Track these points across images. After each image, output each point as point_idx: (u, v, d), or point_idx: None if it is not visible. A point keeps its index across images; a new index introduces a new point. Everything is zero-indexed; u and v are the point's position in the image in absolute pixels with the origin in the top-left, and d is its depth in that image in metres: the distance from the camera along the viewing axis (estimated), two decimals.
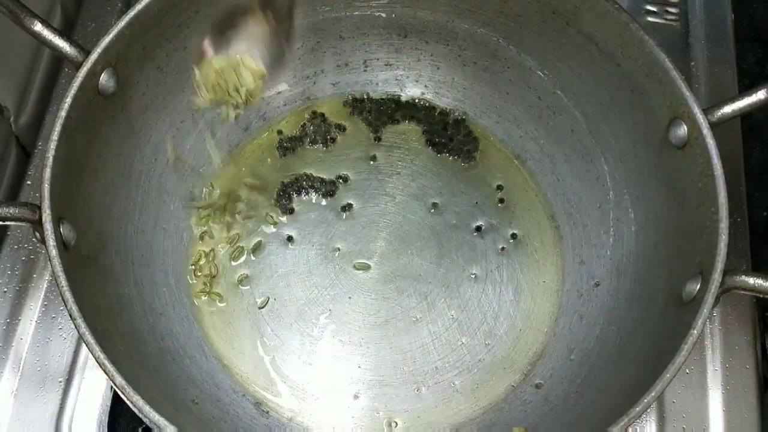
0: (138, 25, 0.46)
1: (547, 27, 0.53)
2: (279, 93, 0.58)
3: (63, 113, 0.43)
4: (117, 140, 0.49)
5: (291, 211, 0.55)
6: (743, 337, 0.53)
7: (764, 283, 0.42)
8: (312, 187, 0.56)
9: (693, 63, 0.63)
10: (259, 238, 0.54)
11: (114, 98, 0.47)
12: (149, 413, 0.38)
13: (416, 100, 0.59)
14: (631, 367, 0.46)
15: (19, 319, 0.52)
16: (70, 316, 0.39)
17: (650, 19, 0.65)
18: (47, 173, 0.41)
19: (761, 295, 0.42)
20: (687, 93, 0.45)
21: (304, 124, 0.58)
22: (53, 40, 0.44)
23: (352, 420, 0.50)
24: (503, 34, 0.55)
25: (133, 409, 0.39)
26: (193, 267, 0.53)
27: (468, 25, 0.56)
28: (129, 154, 0.50)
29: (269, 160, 0.56)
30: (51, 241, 0.40)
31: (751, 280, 0.42)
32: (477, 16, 0.55)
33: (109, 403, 0.50)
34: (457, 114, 0.59)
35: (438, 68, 0.58)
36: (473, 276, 0.54)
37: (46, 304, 0.52)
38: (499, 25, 0.55)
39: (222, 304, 0.52)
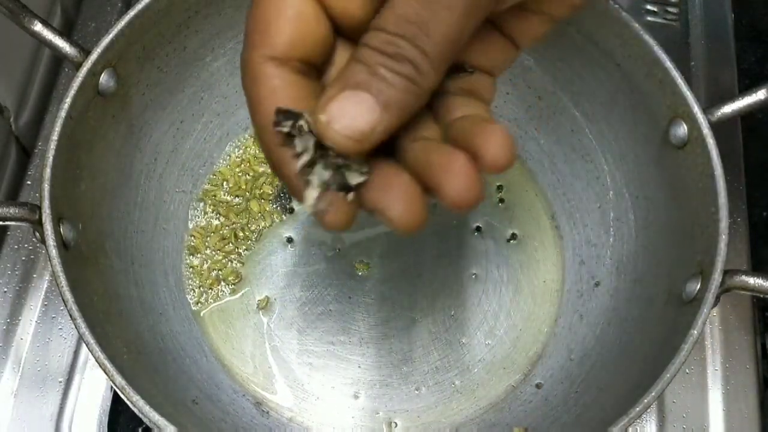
0: (138, 25, 0.46)
1: None
2: None
3: (63, 113, 0.43)
4: (117, 140, 0.49)
5: (291, 210, 0.55)
6: (743, 337, 0.53)
7: (764, 283, 0.42)
8: None
9: (693, 63, 0.63)
10: (259, 239, 0.54)
11: (114, 98, 0.47)
12: (149, 413, 0.38)
13: None
14: (631, 366, 0.46)
15: (19, 319, 0.52)
16: (70, 316, 0.39)
17: (650, 19, 0.65)
18: (47, 173, 0.41)
19: (761, 295, 0.42)
20: (687, 92, 0.45)
21: None
22: (53, 40, 0.44)
23: (352, 420, 0.50)
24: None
25: (133, 409, 0.39)
26: (192, 268, 0.53)
27: None
28: (129, 154, 0.50)
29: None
30: (51, 241, 0.40)
31: (751, 280, 0.42)
32: None
33: (109, 403, 0.50)
34: None
35: None
36: (473, 276, 0.54)
37: (46, 304, 0.52)
38: None
39: (222, 304, 0.52)
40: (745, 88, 0.46)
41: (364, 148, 0.30)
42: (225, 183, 0.55)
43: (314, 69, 0.33)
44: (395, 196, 0.31)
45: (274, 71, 0.31)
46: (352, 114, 0.30)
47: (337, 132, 0.30)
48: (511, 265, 0.54)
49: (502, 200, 0.56)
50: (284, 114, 0.31)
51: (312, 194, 0.31)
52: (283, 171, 0.32)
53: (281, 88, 0.31)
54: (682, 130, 0.46)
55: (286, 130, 0.31)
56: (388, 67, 0.30)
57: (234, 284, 0.53)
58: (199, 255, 0.53)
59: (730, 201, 0.43)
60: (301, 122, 0.31)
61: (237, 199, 0.55)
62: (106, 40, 0.45)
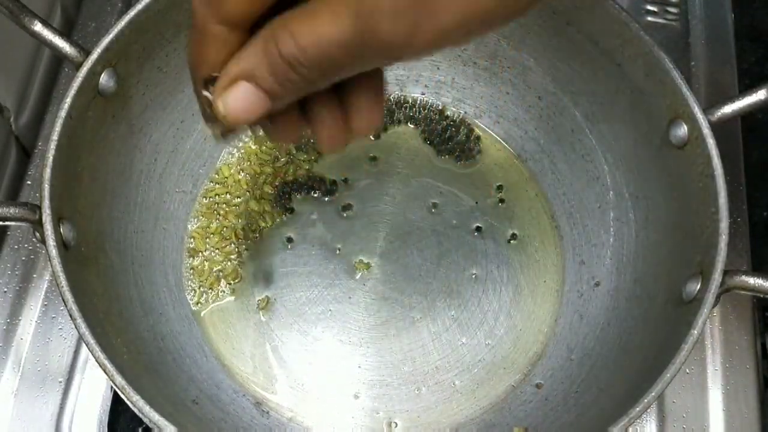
0: (138, 25, 0.46)
1: (547, 27, 0.53)
2: None
3: (63, 113, 0.43)
4: (117, 140, 0.49)
5: (291, 210, 0.55)
6: (743, 337, 0.53)
7: (764, 283, 0.42)
8: (312, 187, 0.56)
9: (693, 63, 0.63)
10: (259, 239, 0.54)
11: (114, 98, 0.47)
12: (149, 413, 0.38)
13: (416, 100, 0.59)
14: (631, 366, 0.46)
15: (19, 319, 0.52)
16: (70, 316, 0.39)
17: (650, 19, 0.65)
18: (47, 173, 0.41)
19: (761, 295, 0.42)
20: (687, 93, 0.45)
21: None
22: (53, 40, 0.44)
23: (352, 420, 0.50)
24: (503, 34, 0.55)
25: (133, 409, 0.39)
26: (192, 268, 0.53)
27: None
28: (129, 154, 0.50)
29: (270, 159, 0.56)
30: (51, 241, 0.40)
31: (752, 280, 0.42)
32: None
33: (109, 403, 0.50)
34: (457, 114, 0.59)
35: (438, 68, 0.58)
36: (473, 276, 0.54)
37: (46, 304, 0.52)
38: None
39: (222, 304, 0.52)
40: (745, 88, 0.46)
41: (254, 123, 0.35)
42: (225, 183, 0.55)
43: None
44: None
45: (219, 29, 0.33)
46: (240, 104, 0.33)
47: (227, 118, 0.33)
48: (511, 265, 0.54)
49: (502, 200, 0.56)
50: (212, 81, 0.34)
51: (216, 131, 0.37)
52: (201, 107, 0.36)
53: (219, 47, 0.33)
54: (682, 130, 0.46)
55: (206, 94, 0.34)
56: (290, 79, 0.32)
57: (234, 284, 0.53)
58: (199, 255, 0.53)
59: (730, 201, 0.43)
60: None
61: (237, 199, 0.55)
62: (106, 40, 0.45)
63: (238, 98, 0.33)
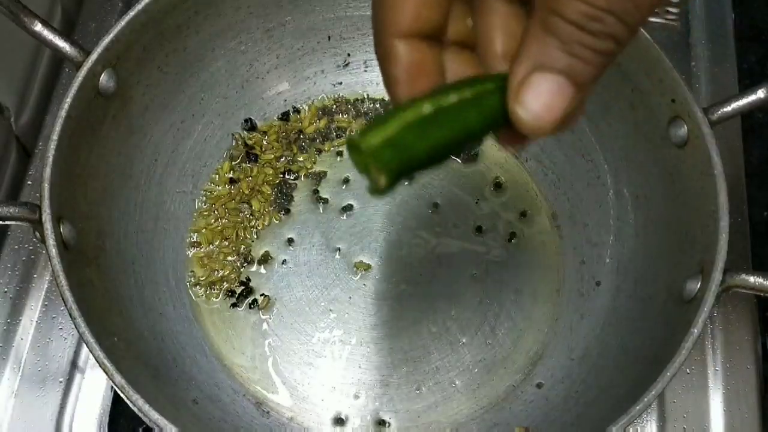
0: (138, 25, 0.46)
1: None
2: (279, 93, 0.58)
3: (63, 113, 0.43)
4: (117, 140, 0.49)
5: (290, 211, 0.55)
6: (744, 337, 0.53)
7: (765, 282, 0.42)
8: (312, 187, 0.56)
9: (693, 63, 0.63)
10: (259, 238, 0.54)
11: (114, 98, 0.47)
12: (149, 413, 0.38)
13: None
14: (631, 366, 0.46)
15: (20, 319, 0.52)
16: (70, 315, 0.39)
17: (651, 19, 0.65)
18: (47, 173, 0.41)
19: (762, 294, 0.42)
20: (687, 92, 0.45)
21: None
22: (53, 40, 0.44)
23: (352, 420, 0.50)
24: None
25: (133, 408, 0.39)
26: (192, 269, 0.53)
27: None
28: (129, 154, 0.50)
29: (270, 159, 0.56)
30: (51, 241, 0.40)
31: (752, 279, 0.42)
32: None
33: (109, 403, 0.50)
34: None
35: None
36: (473, 276, 0.54)
37: (46, 304, 0.52)
38: None
39: (222, 304, 0.52)
40: (745, 88, 0.46)
41: (555, 131, 0.29)
42: (225, 183, 0.55)
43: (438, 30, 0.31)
44: None
45: (402, 48, 0.30)
46: (548, 103, 0.28)
47: (535, 123, 0.28)
48: (511, 265, 0.54)
49: (502, 200, 0.56)
50: None
51: None
52: None
53: (408, 61, 0.30)
54: (682, 129, 0.46)
55: None
56: (586, 44, 0.27)
57: (234, 284, 0.53)
58: (199, 255, 0.53)
59: (730, 200, 0.43)
60: None
61: (237, 199, 0.55)
62: (106, 40, 0.45)
63: (540, 94, 0.27)
